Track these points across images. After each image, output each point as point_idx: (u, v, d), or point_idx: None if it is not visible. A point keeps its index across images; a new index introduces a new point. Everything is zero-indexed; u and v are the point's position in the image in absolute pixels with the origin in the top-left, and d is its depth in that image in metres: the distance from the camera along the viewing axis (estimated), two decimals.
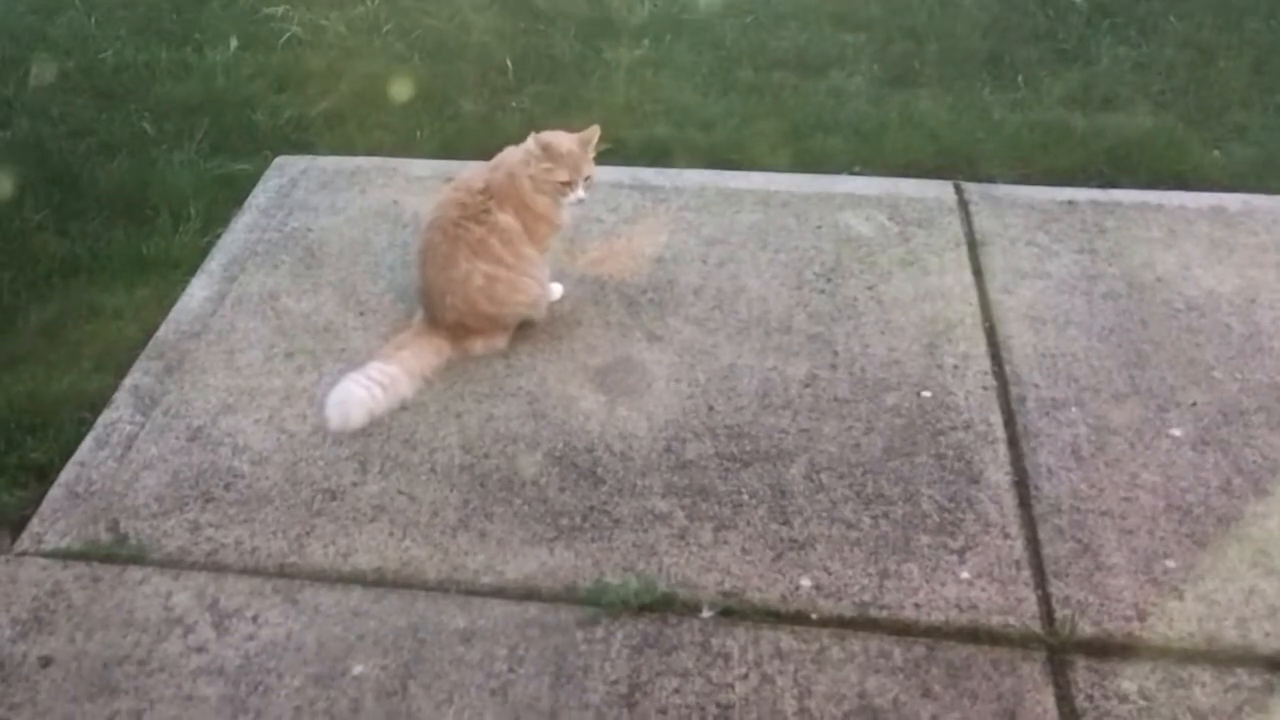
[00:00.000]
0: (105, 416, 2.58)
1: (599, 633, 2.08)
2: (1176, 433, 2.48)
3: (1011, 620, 2.09)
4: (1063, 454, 2.43)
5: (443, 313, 2.65)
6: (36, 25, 4.36)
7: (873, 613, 2.11)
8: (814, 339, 2.76)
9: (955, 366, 2.67)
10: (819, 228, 3.16)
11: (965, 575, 2.18)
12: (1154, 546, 2.22)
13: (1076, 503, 2.31)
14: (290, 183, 3.40)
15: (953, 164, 3.50)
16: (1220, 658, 2.02)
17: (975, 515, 2.30)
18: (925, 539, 2.25)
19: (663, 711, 1.95)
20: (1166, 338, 2.74)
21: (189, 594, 2.16)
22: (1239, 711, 1.93)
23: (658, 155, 3.55)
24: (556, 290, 2.85)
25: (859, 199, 3.27)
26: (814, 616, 2.11)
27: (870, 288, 2.93)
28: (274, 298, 2.93)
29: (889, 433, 2.49)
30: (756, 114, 3.80)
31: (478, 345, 2.70)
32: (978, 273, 2.97)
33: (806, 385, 2.62)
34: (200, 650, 2.06)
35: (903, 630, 2.08)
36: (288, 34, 4.27)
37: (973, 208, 3.22)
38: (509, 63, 4.08)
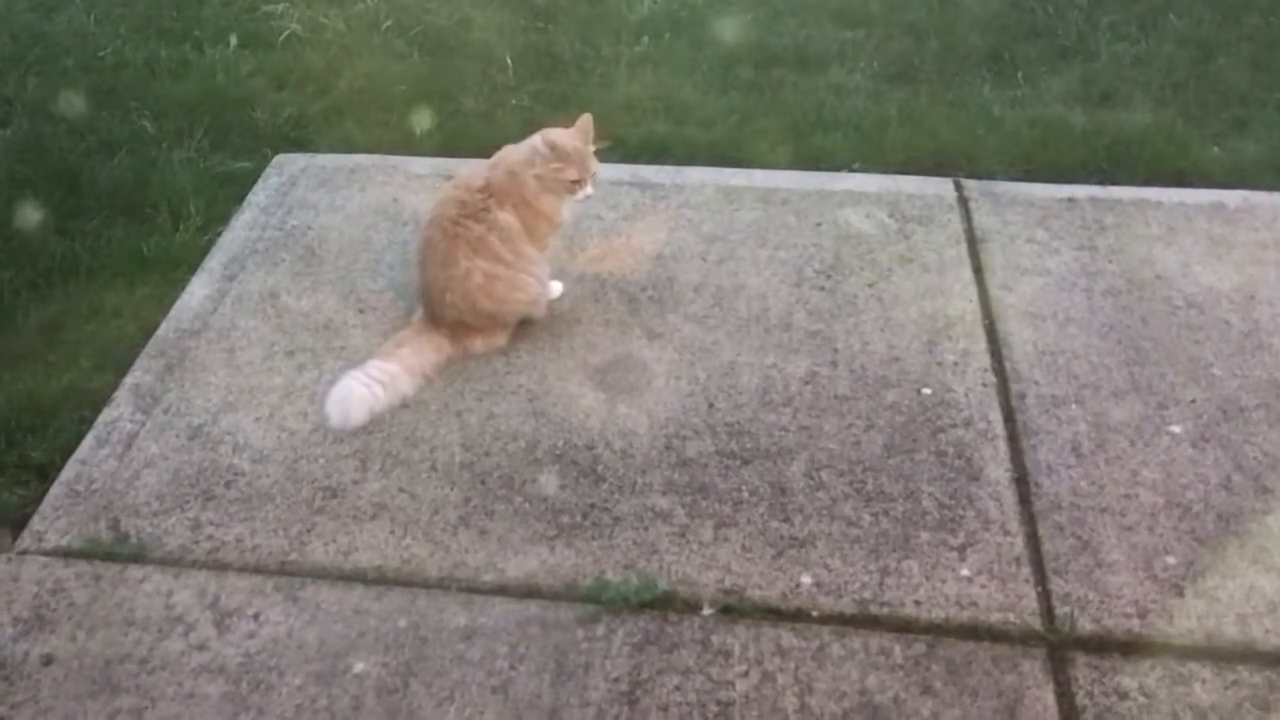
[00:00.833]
0: (105, 415, 2.58)
1: (600, 630, 2.08)
2: (1176, 429, 2.48)
3: (1012, 617, 2.09)
4: (1063, 451, 2.43)
5: (442, 311, 2.65)
6: (35, 23, 4.35)
7: (873, 610, 2.11)
8: (814, 336, 2.76)
9: (955, 363, 2.67)
10: (819, 225, 3.16)
11: (965, 572, 2.18)
12: (1154, 543, 2.22)
13: (1076, 499, 2.32)
14: (290, 181, 3.40)
15: (953, 161, 3.49)
16: (1221, 654, 2.02)
17: (975, 512, 2.30)
18: (925, 536, 2.25)
19: (663, 709, 1.95)
20: (1166, 334, 2.74)
21: (190, 592, 2.16)
22: (1239, 708, 1.93)
23: (658, 152, 3.54)
24: (556, 288, 2.85)
25: (859, 196, 3.27)
26: (814, 614, 2.11)
27: (870, 285, 2.93)
28: (274, 296, 2.93)
29: (889, 430, 2.49)
30: (756, 111, 3.80)
31: (478, 343, 2.70)
32: (978, 270, 2.97)
33: (807, 382, 2.63)
34: (201, 648, 2.06)
35: (903, 627, 2.08)
36: (287, 31, 4.26)
37: (973, 205, 3.22)
38: (509, 60, 4.07)
